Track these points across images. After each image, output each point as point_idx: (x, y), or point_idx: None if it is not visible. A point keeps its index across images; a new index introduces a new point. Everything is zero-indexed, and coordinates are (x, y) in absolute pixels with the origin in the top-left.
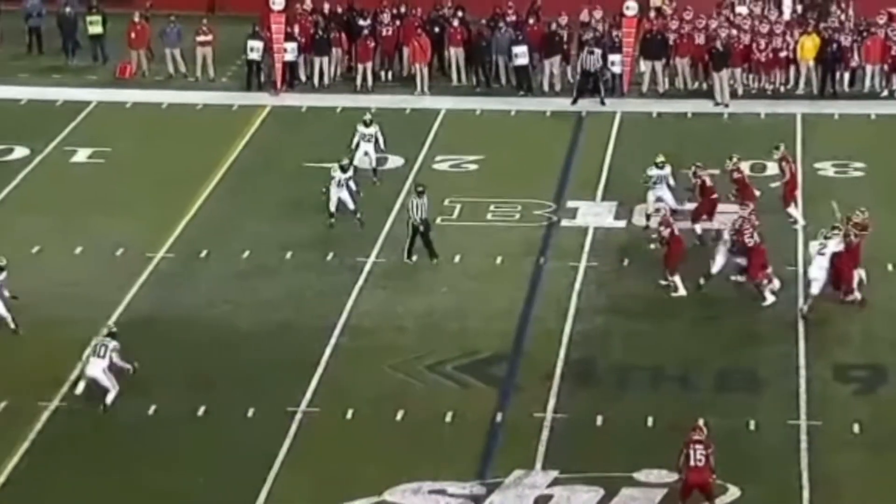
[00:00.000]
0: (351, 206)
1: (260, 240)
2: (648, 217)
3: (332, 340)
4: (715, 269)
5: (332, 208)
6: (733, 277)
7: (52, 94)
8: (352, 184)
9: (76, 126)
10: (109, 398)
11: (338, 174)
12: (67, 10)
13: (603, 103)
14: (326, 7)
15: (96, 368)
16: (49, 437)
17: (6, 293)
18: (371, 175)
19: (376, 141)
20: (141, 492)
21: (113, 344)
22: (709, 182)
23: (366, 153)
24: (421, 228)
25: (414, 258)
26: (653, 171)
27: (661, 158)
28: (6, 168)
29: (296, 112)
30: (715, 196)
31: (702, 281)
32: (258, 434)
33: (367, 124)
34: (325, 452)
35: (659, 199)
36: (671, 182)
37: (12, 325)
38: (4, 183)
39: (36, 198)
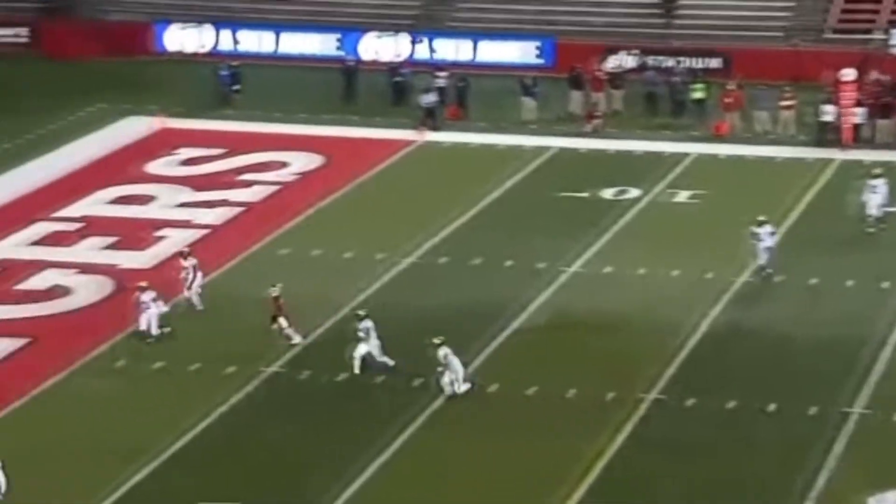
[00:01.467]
0: (761, 261)
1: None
2: None
3: (885, 353)
4: None
5: (761, 262)
6: None
7: (660, 147)
8: (772, 240)
9: (679, 173)
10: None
11: (756, 230)
12: (676, 79)
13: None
14: (889, 77)
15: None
16: (644, 425)
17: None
18: (873, 222)
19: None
20: (722, 475)
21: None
22: None
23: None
24: None
25: None
26: None
27: None
28: (620, 205)
29: (857, 165)
30: None
31: None
32: (818, 429)
33: (874, 176)
34: (876, 447)
35: None
36: None
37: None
38: (619, 216)
39: (644, 229)
